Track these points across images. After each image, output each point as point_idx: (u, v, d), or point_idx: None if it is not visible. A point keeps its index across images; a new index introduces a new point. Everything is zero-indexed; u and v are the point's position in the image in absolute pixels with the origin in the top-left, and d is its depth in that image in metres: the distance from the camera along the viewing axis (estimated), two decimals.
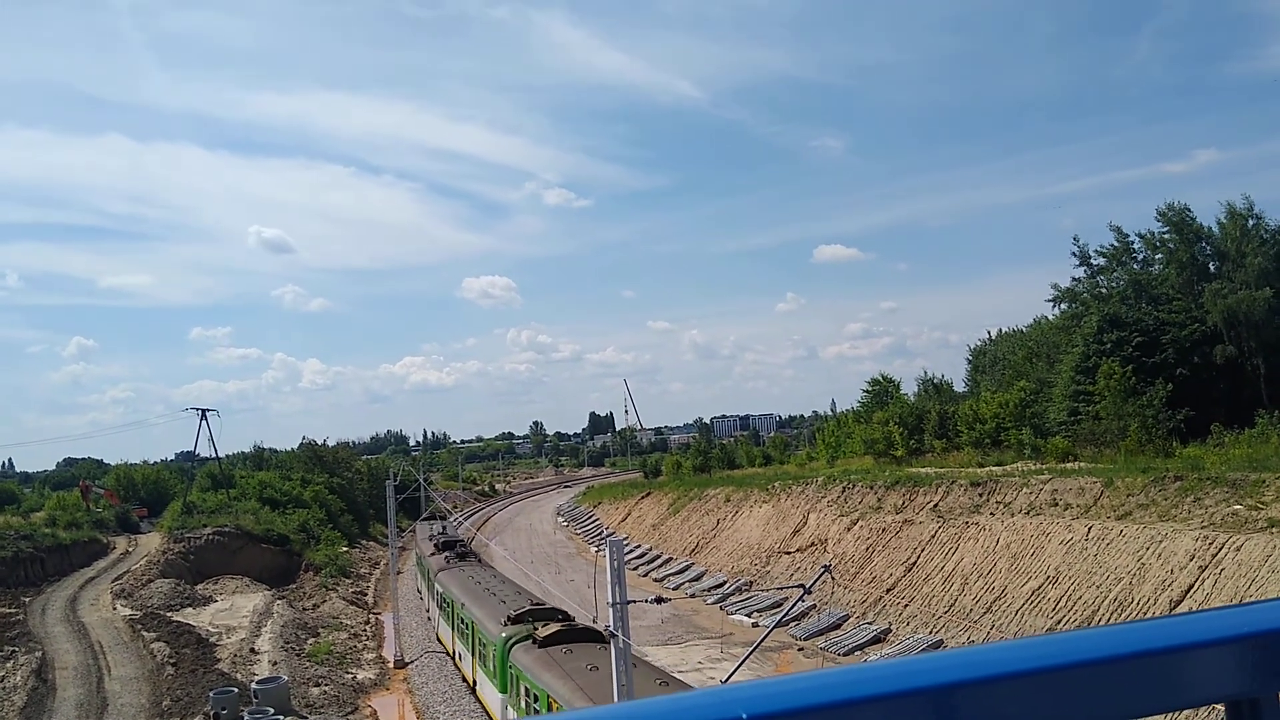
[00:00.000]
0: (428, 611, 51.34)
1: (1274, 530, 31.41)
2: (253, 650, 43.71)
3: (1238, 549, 31.29)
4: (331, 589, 61.82)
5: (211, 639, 45.65)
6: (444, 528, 63.98)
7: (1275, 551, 30.02)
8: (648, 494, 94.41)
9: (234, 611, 52.35)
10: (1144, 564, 34.24)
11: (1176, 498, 37.57)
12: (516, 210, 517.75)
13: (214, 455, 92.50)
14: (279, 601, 55.26)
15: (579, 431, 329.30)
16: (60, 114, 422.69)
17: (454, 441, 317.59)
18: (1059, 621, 35.51)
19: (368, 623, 53.56)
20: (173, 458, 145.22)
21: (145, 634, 45.12)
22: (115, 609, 51.15)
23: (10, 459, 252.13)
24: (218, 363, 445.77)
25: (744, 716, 0.74)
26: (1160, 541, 34.48)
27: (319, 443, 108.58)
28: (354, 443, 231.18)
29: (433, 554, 54.05)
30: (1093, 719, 0.88)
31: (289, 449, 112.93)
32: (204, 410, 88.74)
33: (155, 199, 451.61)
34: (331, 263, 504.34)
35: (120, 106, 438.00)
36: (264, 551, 66.68)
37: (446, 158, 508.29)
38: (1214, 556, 31.82)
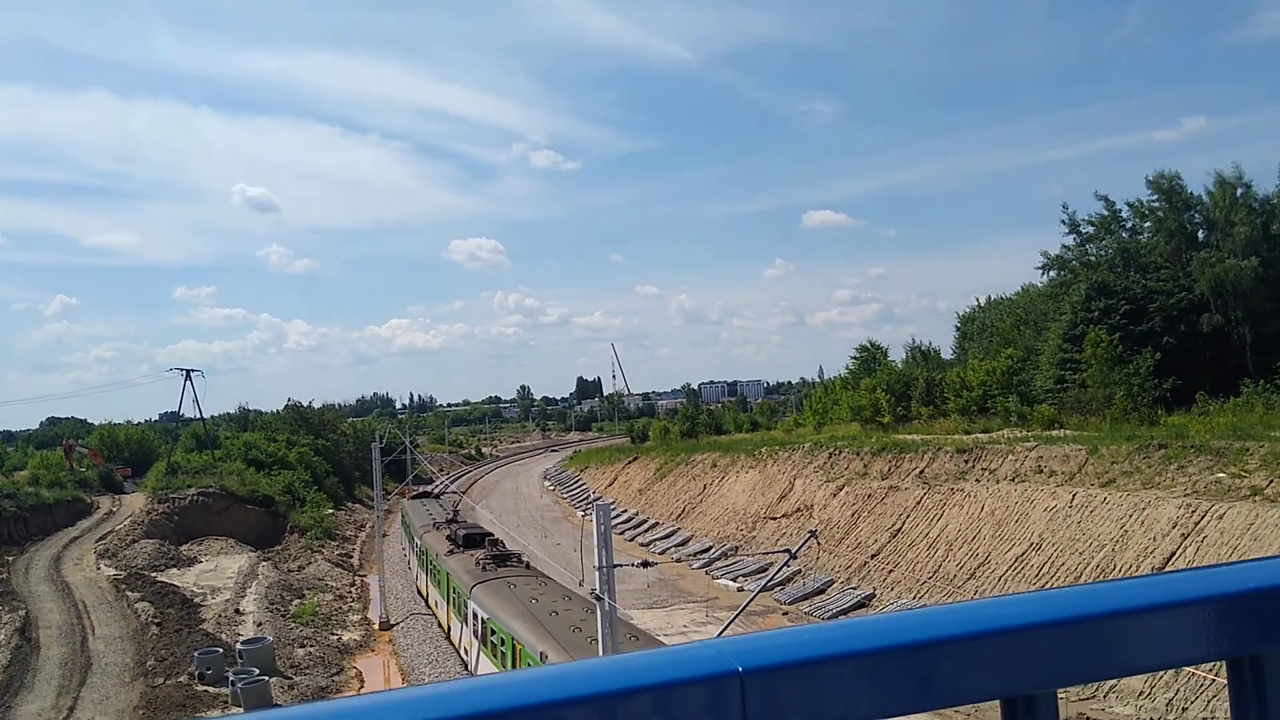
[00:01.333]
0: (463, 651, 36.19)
1: (1257, 498, 31.56)
2: (237, 611, 43.74)
3: (1220, 517, 31.44)
4: (317, 551, 61.85)
5: (196, 599, 45.66)
6: (455, 513, 51.88)
7: (1258, 519, 30.17)
8: (634, 459, 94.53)
9: (219, 572, 52.36)
10: (1127, 531, 34.40)
11: (1160, 465, 37.71)
12: (505, 172, 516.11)
13: (199, 416, 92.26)
14: (264, 563, 55.29)
15: (566, 396, 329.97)
16: (43, 70, 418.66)
17: (440, 405, 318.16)
18: (1042, 587, 35.70)
19: (353, 585, 53.64)
20: (157, 418, 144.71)
21: (129, 594, 45.10)
22: (99, 569, 51.07)
23: None
24: (202, 323, 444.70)
25: (739, 669, 0.74)
26: (1143, 509, 34.63)
27: (304, 404, 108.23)
28: (340, 405, 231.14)
29: (451, 552, 40.74)
30: (1092, 673, 0.88)
31: (274, 410, 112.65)
32: (188, 371, 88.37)
33: (140, 157, 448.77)
34: (318, 223, 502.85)
35: (104, 63, 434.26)
36: (249, 513, 66.61)
37: (435, 118, 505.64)
38: (1196, 524, 31.98)
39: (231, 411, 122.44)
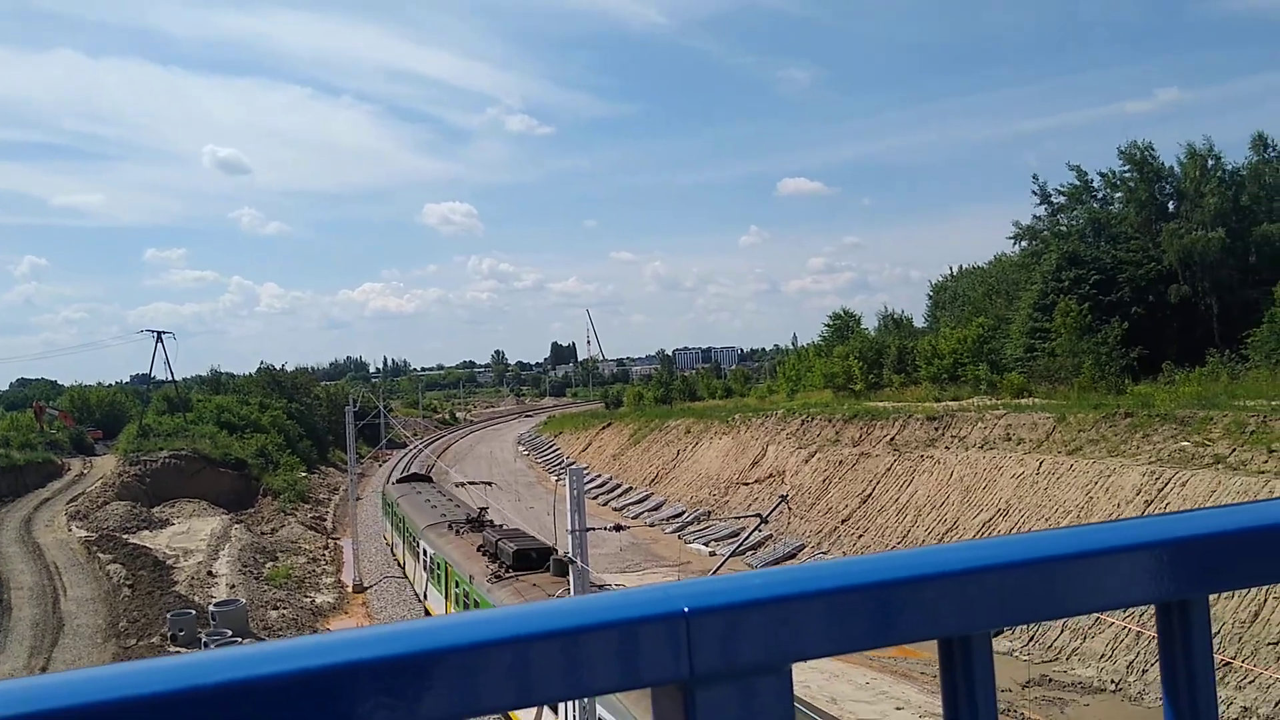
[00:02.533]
0: None
1: (1219, 466, 32.12)
2: (210, 573, 43.80)
3: (1183, 484, 32.00)
4: (290, 514, 61.91)
5: (168, 561, 45.66)
6: (483, 510, 39.15)
7: (1220, 487, 30.73)
8: (609, 424, 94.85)
9: (191, 535, 52.33)
10: (1092, 498, 34.97)
11: (1126, 434, 38.26)
12: (478, 136, 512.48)
13: (170, 378, 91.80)
14: (237, 525, 55.26)
15: (541, 361, 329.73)
16: (8, 28, 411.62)
17: (414, 369, 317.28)
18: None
19: (326, 548, 53.78)
20: (128, 380, 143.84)
21: (101, 555, 45.04)
22: (70, 530, 50.92)
23: None
24: (173, 285, 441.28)
25: (685, 610, 0.78)
26: (1108, 476, 35.19)
27: (277, 367, 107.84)
28: (313, 368, 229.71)
29: (498, 578, 28.35)
30: (1026, 616, 0.94)
31: (247, 373, 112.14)
32: (159, 333, 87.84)
33: (109, 117, 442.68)
34: (289, 185, 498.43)
35: (72, 21, 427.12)
36: (221, 475, 66.50)
37: (408, 81, 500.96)
38: (1160, 491, 32.53)
39: (203, 374, 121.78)
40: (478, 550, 30.04)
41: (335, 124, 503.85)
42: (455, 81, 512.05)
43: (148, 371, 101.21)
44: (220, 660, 0.70)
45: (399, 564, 44.68)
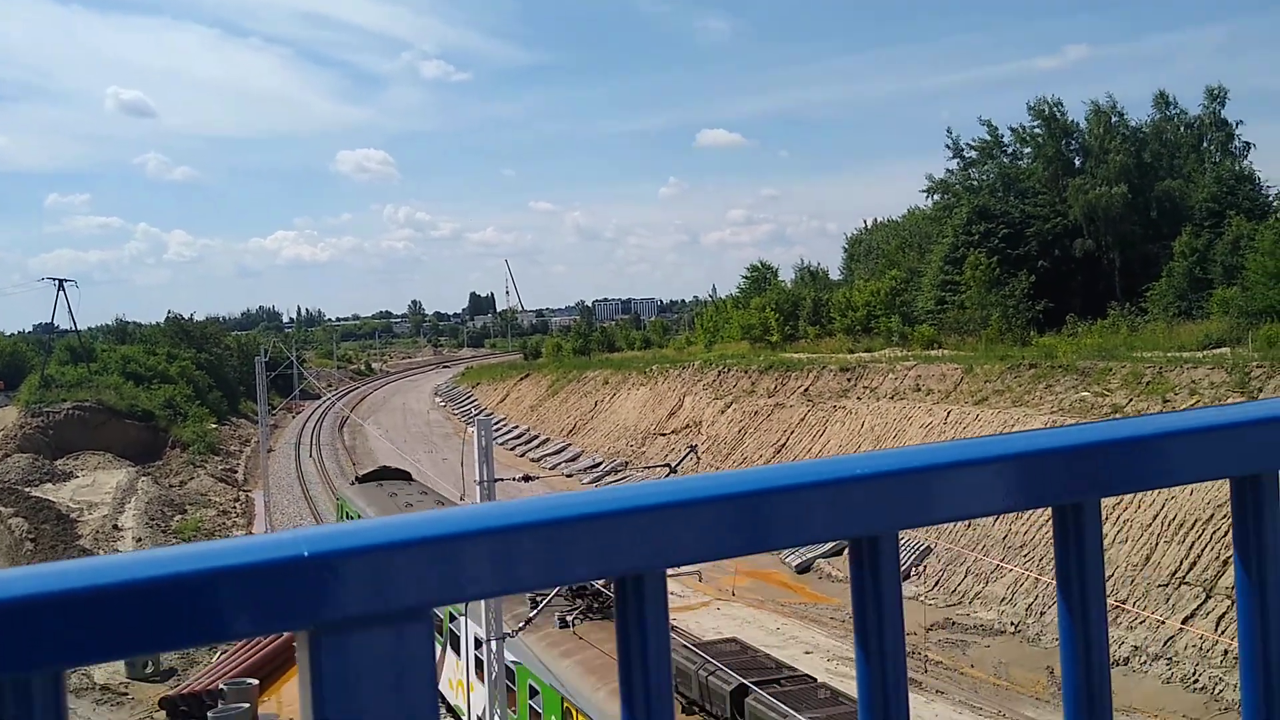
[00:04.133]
0: None
1: (1116, 415, 33.15)
2: (115, 527, 43.03)
3: None
4: (200, 466, 60.93)
5: (72, 515, 44.76)
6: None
7: None
8: (527, 375, 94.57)
9: (96, 488, 51.24)
10: None
11: (1030, 384, 39.29)
12: (393, 82, 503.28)
13: (73, 328, 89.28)
14: (144, 478, 54.26)
15: (459, 312, 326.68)
16: None
17: (329, 319, 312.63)
18: None
19: (237, 500, 53.11)
20: (30, 330, 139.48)
21: (2, 509, 43.94)
22: None
23: None
24: (76, 231, 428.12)
25: (305, 553, 0.75)
26: (1012, 425, 36.12)
27: (186, 317, 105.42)
28: (224, 318, 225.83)
29: None
30: (929, 519, 0.98)
31: (154, 323, 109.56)
32: (61, 281, 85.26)
33: (6, 57, 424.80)
34: (197, 130, 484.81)
35: None
36: (128, 427, 65.06)
37: (319, 23, 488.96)
38: None
39: (109, 324, 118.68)
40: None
41: (244, 67, 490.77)
42: (368, 25, 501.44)
43: (50, 321, 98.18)
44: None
45: None
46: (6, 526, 41.26)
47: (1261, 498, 1.11)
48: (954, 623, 30.66)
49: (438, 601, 0.78)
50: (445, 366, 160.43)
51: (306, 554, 0.73)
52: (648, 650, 0.89)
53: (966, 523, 34.83)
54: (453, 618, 23.35)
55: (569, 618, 20.13)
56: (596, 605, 20.66)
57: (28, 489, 48.97)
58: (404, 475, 37.17)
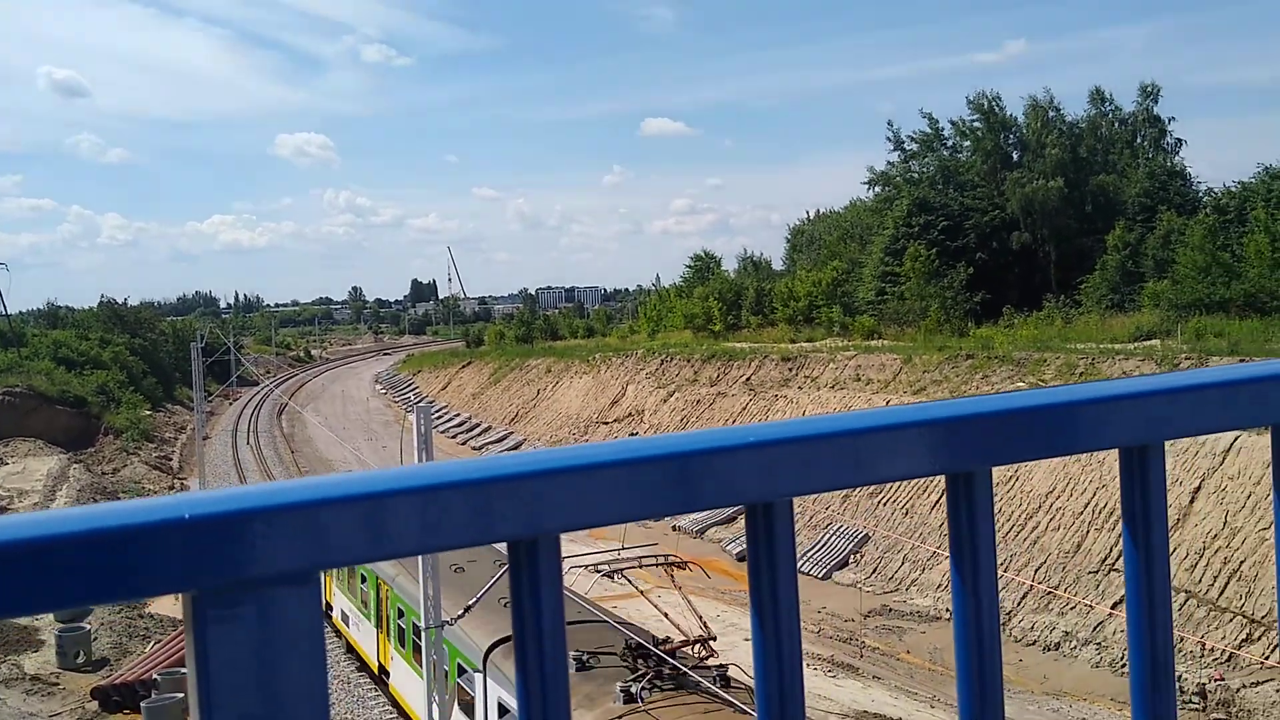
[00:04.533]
0: None
1: None
2: None
3: None
4: (133, 453, 59.90)
5: (2, 503, 43.81)
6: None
7: None
8: (469, 363, 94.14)
9: (26, 475, 50.22)
10: None
11: (967, 374, 39.93)
12: (333, 65, 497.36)
13: (3, 312, 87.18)
14: (76, 465, 53.29)
15: (400, 299, 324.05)
16: None
17: (268, 305, 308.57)
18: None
19: (172, 488, 52.31)
20: None
21: None
22: None
23: None
24: (6, 213, 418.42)
25: (186, 516, 0.73)
26: None
27: (120, 302, 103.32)
28: (159, 303, 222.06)
29: None
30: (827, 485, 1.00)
31: (87, 307, 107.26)
32: None
33: None
34: (132, 111, 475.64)
35: None
36: (59, 413, 63.67)
37: (257, 3, 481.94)
38: None
39: (40, 308, 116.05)
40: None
41: (181, 48, 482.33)
42: (308, 7, 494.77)
43: None
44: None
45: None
46: None
47: (1148, 467, 1.15)
48: (891, 609, 31.11)
49: (320, 565, 0.77)
50: (386, 354, 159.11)
51: (188, 516, 0.72)
52: (542, 617, 0.88)
53: (904, 511, 35.34)
54: (462, 671, 18.46)
55: (634, 688, 14.91)
56: (667, 670, 15.67)
57: None
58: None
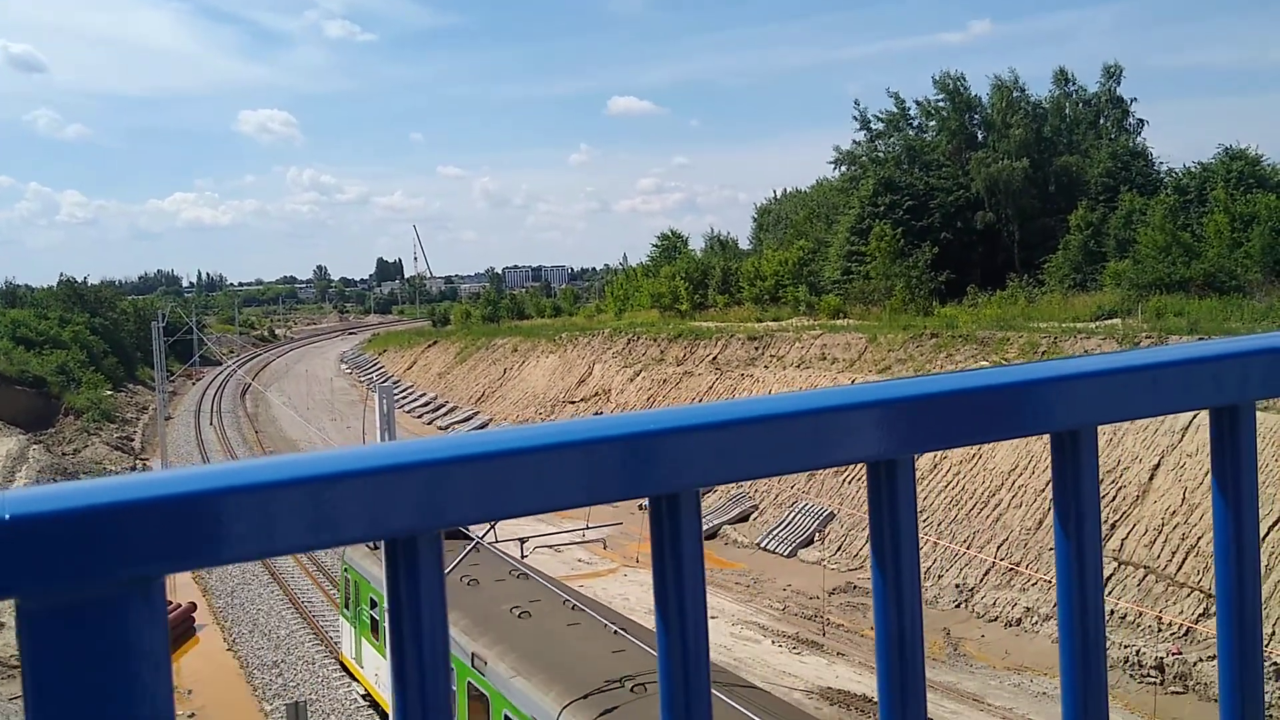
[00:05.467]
0: None
1: None
2: None
3: None
4: (94, 434, 59.28)
5: None
6: None
7: None
8: (435, 343, 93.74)
9: None
10: None
11: (932, 353, 40.20)
12: (296, 41, 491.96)
13: None
14: (35, 446, 52.67)
15: (366, 278, 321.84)
16: None
17: (232, 284, 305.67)
18: None
19: (134, 468, 51.76)
20: None
21: None
22: None
23: None
24: None
25: (6, 516, 0.64)
26: None
27: (80, 280, 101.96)
28: (120, 282, 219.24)
29: None
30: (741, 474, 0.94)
31: (46, 286, 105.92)
32: None
33: None
34: (91, 86, 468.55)
35: None
36: (17, 394, 62.84)
37: None
38: None
39: None
40: None
41: (140, 23, 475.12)
42: None
43: None
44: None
45: None
46: None
47: (1079, 452, 1.12)
48: (855, 586, 31.32)
49: (167, 569, 0.69)
50: (351, 333, 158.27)
51: (7, 517, 0.64)
52: (421, 618, 0.81)
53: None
54: None
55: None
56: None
57: None
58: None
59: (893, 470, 1.02)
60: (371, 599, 21.15)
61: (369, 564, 21.08)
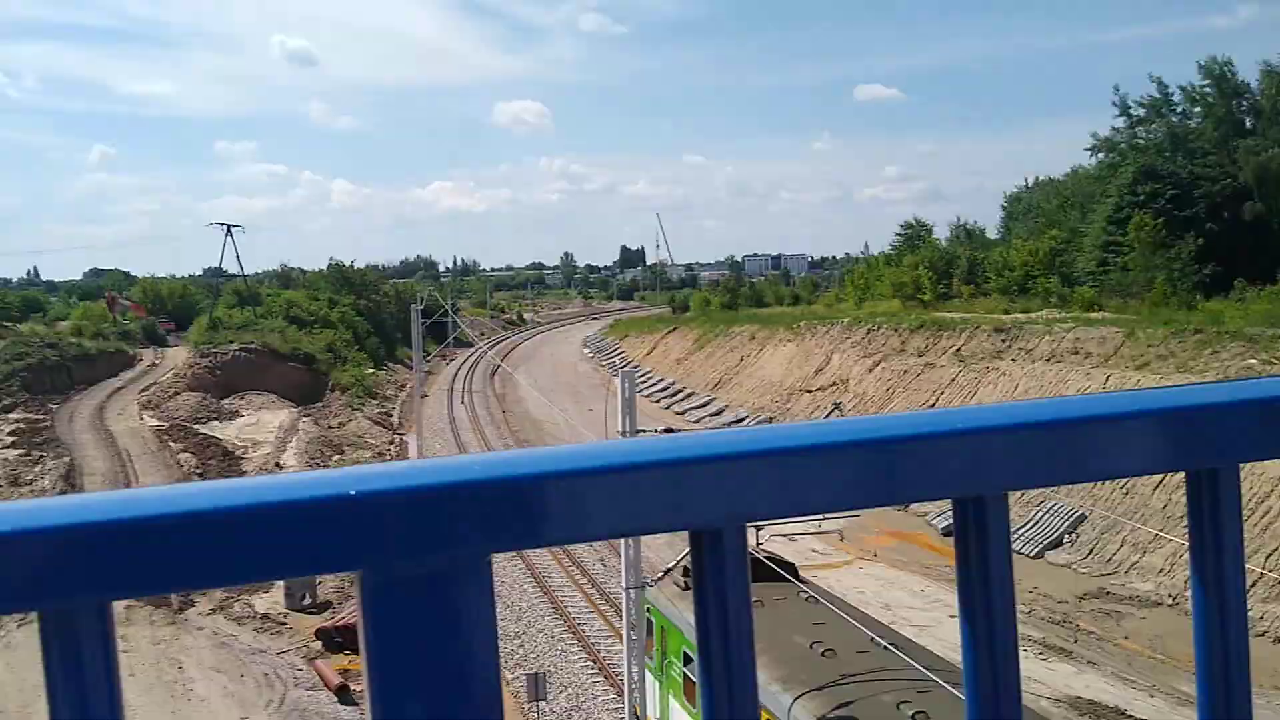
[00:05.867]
0: None
1: None
2: (278, 464, 44.98)
3: None
4: (357, 409, 62.91)
5: (237, 452, 46.91)
6: None
7: None
8: (674, 329, 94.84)
9: (260, 426, 53.55)
10: None
11: (1195, 350, 37.56)
12: (551, 34, 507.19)
13: (240, 272, 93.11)
14: (305, 419, 56.34)
15: (610, 264, 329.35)
16: None
17: (484, 269, 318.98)
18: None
19: (392, 443, 54.81)
20: (199, 273, 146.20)
21: (172, 444, 46.28)
22: (142, 419, 52.00)
23: (35, 266, 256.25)
24: (244, 179, 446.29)
25: (352, 492, 0.71)
26: None
27: (347, 264, 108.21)
28: (383, 266, 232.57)
29: None
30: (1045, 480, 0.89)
31: (317, 269, 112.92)
32: (229, 226, 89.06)
33: (175, 2, 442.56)
34: (359, 79, 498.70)
35: None
36: (290, 370, 67.55)
37: None
38: None
39: (274, 269, 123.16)
40: None
41: (405, 18, 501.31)
42: None
43: (218, 265, 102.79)
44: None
45: None
46: (176, 461, 43.58)
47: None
48: (1108, 592, 29.74)
49: (494, 548, 0.74)
50: (594, 318, 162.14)
51: (354, 493, 0.69)
52: (727, 609, 0.82)
53: (1124, 490, 33.57)
54: None
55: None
56: None
57: (196, 426, 51.43)
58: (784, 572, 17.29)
59: (1215, 480, 0.95)
60: (685, 652, 16.69)
61: (682, 607, 16.58)
